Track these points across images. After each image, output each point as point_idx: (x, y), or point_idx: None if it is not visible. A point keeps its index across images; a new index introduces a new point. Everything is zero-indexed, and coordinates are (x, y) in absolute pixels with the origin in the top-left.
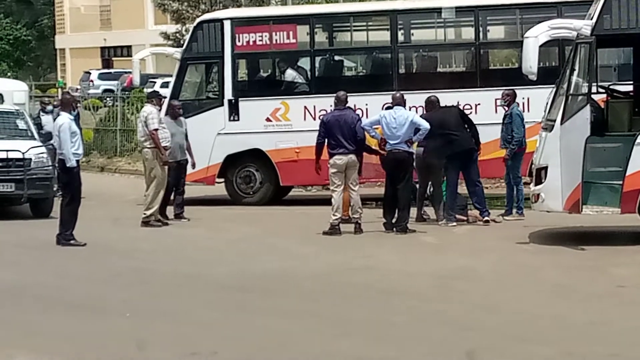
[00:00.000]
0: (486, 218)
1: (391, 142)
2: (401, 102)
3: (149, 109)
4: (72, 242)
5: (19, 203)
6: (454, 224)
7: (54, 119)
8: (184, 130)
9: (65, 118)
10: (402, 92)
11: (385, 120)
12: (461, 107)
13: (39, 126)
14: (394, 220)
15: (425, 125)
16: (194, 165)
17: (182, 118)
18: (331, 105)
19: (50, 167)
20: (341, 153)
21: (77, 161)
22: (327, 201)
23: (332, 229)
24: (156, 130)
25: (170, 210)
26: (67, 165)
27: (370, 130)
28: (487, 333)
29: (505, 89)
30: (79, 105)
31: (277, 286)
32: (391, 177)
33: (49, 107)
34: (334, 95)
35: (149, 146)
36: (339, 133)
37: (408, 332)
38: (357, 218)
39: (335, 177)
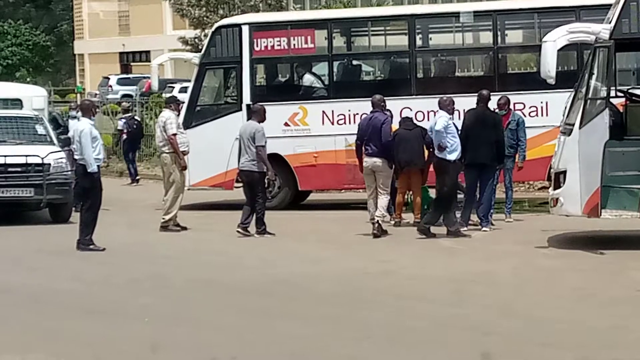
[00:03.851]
0: (485, 229)
1: None
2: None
3: (167, 114)
4: (91, 247)
5: (38, 208)
6: (465, 228)
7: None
8: None
9: (86, 123)
10: (420, 96)
11: None
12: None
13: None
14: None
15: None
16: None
17: None
18: (349, 110)
19: (70, 172)
20: (367, 154)
21: (98, 166)
22: (346, 206)
23: (378, 228)
24: (175, 135)
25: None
26: (89, 170)
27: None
28: (506, 337)
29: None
30: (98, 110)
31: (296, 291)
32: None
33: None
34: (352, 99)
35: (167, 151)
36: (367, 135)
37: (427, 336)
38: (378, 222)
39: (365, 180)
